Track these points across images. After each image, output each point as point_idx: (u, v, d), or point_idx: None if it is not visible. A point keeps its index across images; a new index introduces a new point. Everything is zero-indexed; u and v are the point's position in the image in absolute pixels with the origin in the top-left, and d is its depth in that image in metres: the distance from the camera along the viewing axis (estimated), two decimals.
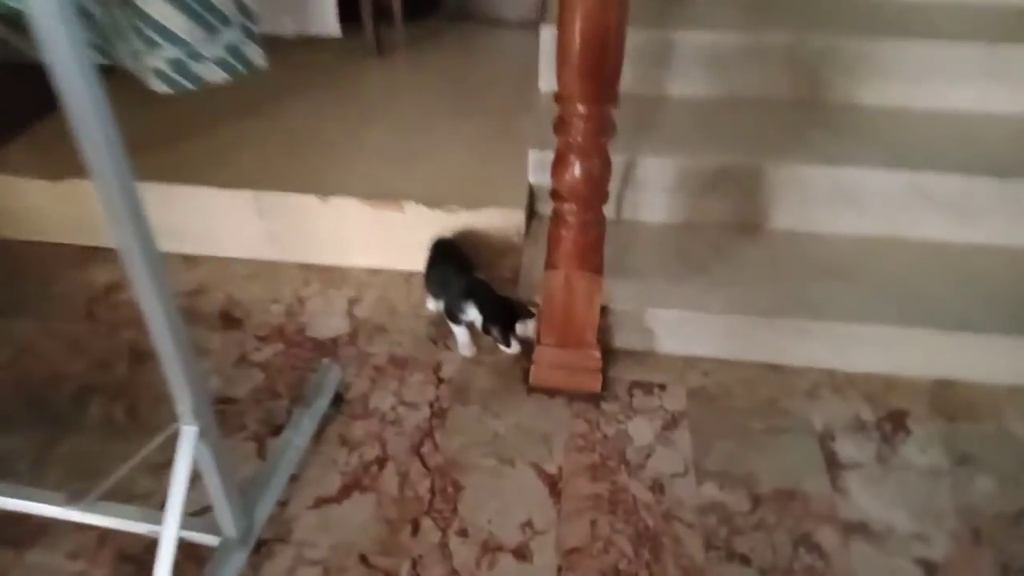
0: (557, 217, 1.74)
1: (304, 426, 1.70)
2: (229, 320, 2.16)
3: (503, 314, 1.93)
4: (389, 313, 2.20)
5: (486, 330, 1.92)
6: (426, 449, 1.81)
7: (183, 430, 1.27)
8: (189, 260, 2.38)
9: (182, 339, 1.17)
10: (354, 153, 2.45)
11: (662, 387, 2.00)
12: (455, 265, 2.06)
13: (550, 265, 1.79)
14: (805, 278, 2.14)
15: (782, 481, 1.76)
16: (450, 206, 2.20)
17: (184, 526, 1.46)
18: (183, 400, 1.24)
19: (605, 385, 1.98)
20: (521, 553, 1.59)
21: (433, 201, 2.21)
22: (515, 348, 1.95)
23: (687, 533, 1.64)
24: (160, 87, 1.35)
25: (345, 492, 1.70)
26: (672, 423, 1.90)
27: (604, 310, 2.02)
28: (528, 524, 1.65)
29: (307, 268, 2.35)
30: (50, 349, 2.05)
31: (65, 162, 2.13)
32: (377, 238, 2.29)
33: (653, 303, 2.04)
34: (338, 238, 2.31)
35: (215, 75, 1.41)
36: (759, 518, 1.67)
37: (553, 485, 1.73)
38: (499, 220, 2.21)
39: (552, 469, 1.77)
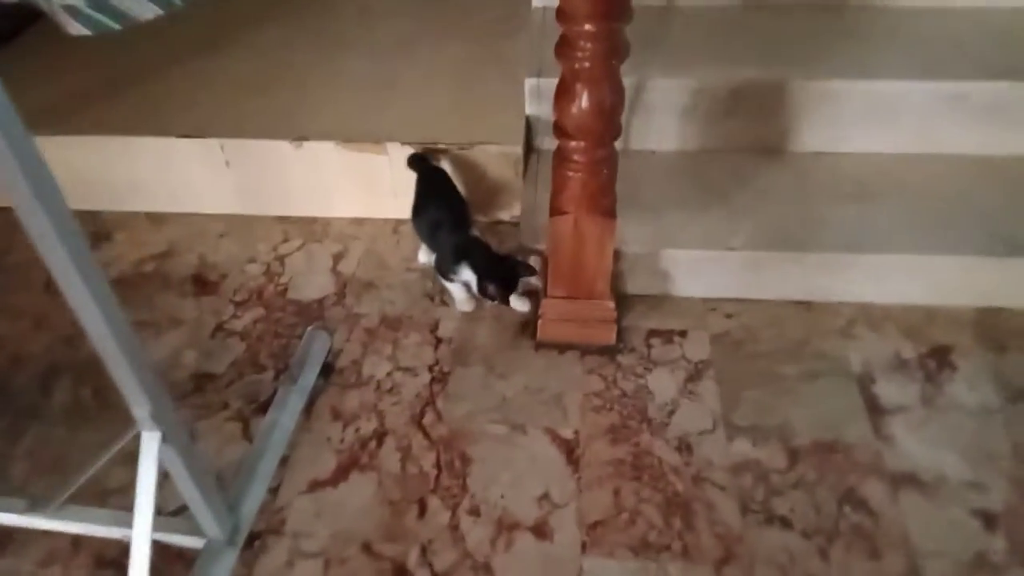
0: (562, 156, 1.52)
1: (291, 403, 1.53)
2: (203, 284, 1.96)
3: (501, 275, 1.72)
4: (378, 268, 2.01)
5: (483, 291, 1.73)
6: (428, 419, 1.64)
7: (144, 436, 1.09)
8: (156, 219, 2.16)
9: (125, 336, 0.98)
10: (327, 89, 2.20)
11: (682, 334, 1.82)
12: (446, 213, 1.83)
13: (556, 210, 1.58)
14: (835, 204, 1.93)
15: (820, 432, 1.60)
16: (438, 145, 1.98)
17: (163, 528, 1.32)
18: (139, 404, 1.05)
19: (620, 336, 1.80)
20: (540, 530, 1.44)
21: (419, 140, 1.98)
22: (521, 306, 1.76)
23: (720, 497, 1.49)
24: (76, 28, 1.10)
25: (341, 473, 1.54)
26: (695, 374, 1.73)
27: (616, 255, 1.82)
28: (545, 497, 1.50)
29: (285, 221, 2.14)
30: (8, 328, 1.86)
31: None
32: (359, 185, 2.07)
33: (669, 242, 1.84)
34: (316, 187, 2.09)
35: (144, 9, 1.16)
36: (798, 475, 1.52)
37: (570, 452, 1.58)
38: (494, 159, 1.99)
39: (568, 433, 1.61)
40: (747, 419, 1.63)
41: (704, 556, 1.40)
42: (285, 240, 2.09)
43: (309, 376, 1.60)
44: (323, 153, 2.01)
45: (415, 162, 1.96)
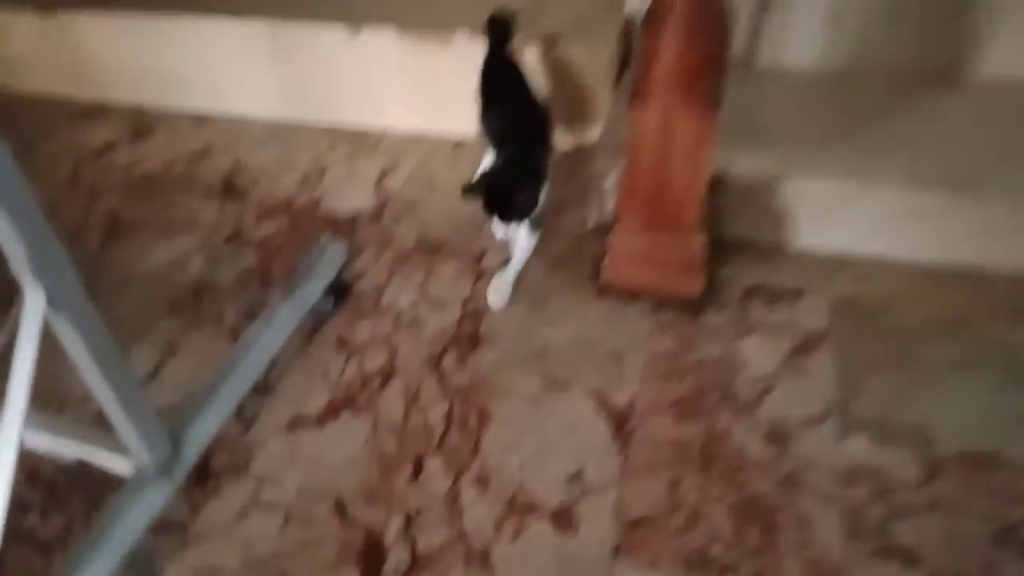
0: (656, 13, 1.13)
1: (280, 318, 1.24)
2: (231, 189, 1.73)
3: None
4: (427, 188, 1.69)
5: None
6: (448, 362, 1.31)
7: (26, 295, 0.83)
8: (199, 120, 1.95)
9: None
10: None
11: (795, 294, 1.39)
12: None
13: (639, 95, 1.19)
14: None
15: (971, 440, 1.13)
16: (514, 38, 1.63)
17: (80, 438, 1.07)
18: (16, 250, 0.79)
19: (708, 288, 1.39)
20: (563, 518, 1.08)
21: None
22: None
23: (820, 509, 1.07)
24: None
25: (331, 412, 1.25)
26: (807, 346, 1.30)
27: (717, 182, 1.41)
28: (577, 476, 1.13)
29: (335, 132, 1.87)
30: None
31: None
32: (418, 88, 1.76)
33: (793, 171, 1.40)
34: (370, 88, 1.80)
35: None
36: (934, 494, 1.08)
37: (620, 423, 1.20)
38: (580, 58, 1.62)
39: (621, 400, 1.23)
40: (871, 411, 1.19)
41: None
42: (331, 150, 1.82)
43: (311, 290, 1.31)
44: (380, 44, 1.71)
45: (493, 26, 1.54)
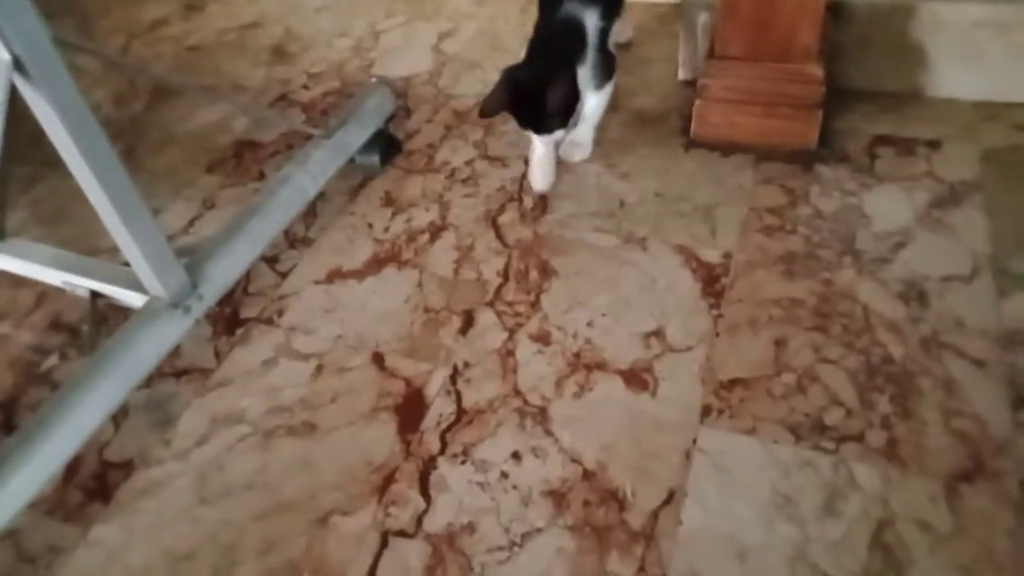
0: None
1: (315, 160, 1.09)
2: (281, 55, 1.59)
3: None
4: (490, 48, 1.50)
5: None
6: (507, 217, 1.13)
7: None
8: None
9: None
10: None
11: (933, 144, 1.13)
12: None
13: None
14: None
15: None
16: None
17: (94, 275, 0.95)
18: None
19: (827, 139, 1.15)
20: (637, 377, 0.89)
21: None
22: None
23: (973, 375, 0.84)
24: None
25: (375, 265, 1.09)
26: (951, 198, 1.05)
27: (836, 11, 1.16)
28: (657, 335, 0.93)
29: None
30: None
31: None
32: None
33: None
34: None
35: None
36: None
37: (711, 279, 0.99)
38: None
39: (713, 256, 1.02)
40: None
41: (927, 462, 0.77)
42: (388, 16, 1.65)
43: (353, 135, 1.15)
44: None
45: None
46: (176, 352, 0.98)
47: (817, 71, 1.08)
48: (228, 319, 1.04)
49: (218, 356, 0.99)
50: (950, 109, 1.19)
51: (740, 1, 1.06)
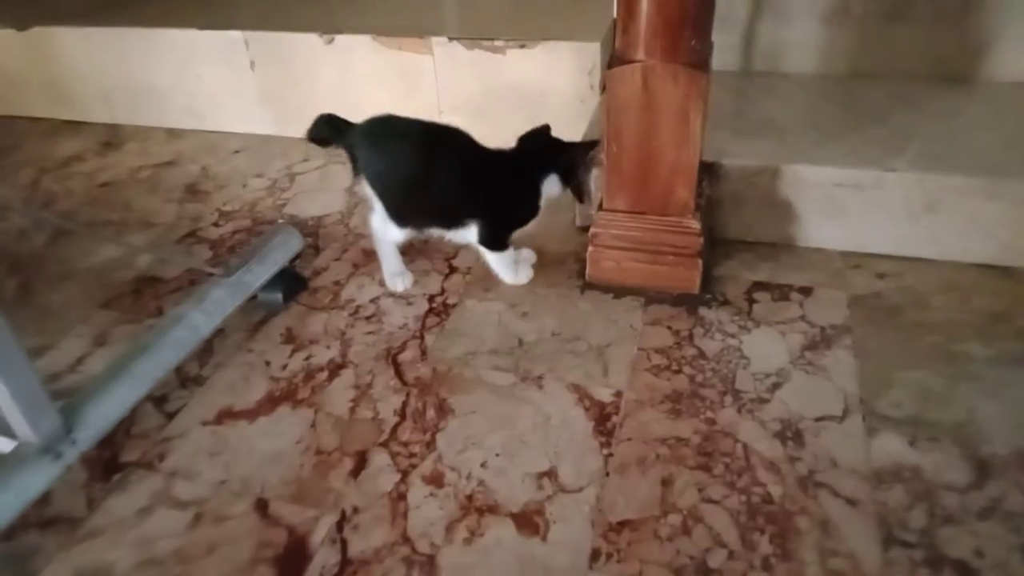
0: None
1: (212, 299, 1.09)
2: (193, 193, 1.61)
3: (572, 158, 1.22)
4: None
5: (576, 186, 1.24)
6: (408, 355, 1.15)
7: None
8: (174, 133, 1.87)
9: None
10: None
11: (805, 291, 1.23)
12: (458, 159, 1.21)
13: (618, 59, 1.09)
14: None
15: None
16: (495, 42, 1.55)
17: None
18: None
19: (709, 284, 1.24)
20: (529, 521, 0.88)
21: (471, 35, 1.57)
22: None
23: (847, 514, 0.87)
24: None
25: (268, 405, 1.07)
26: (822, 341, 1.12)
27: (712, 172, 1.28)
28: (550, 475, 0.94)
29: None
30: None
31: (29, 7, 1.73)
32: (398, 93, 1.68)
33: (796, 159, 1.28)
34: (346, 98, 1.71)
35: None
36: (990, 499, 0.87)
37: (603, 417, 1.02)
38: (565, 61, 1.53)
39: (605, 395, 1.05)
40: (903, 408, 1.00)
41: None
42: (304, 160, 1.72)
43: (255, 273, 1.16)
44: (357, 51, 1.64)
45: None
46: (45, 499, 0.92)
47: (694, 224, 1.18)
48: (106, 463, 0.99)
49: (91, 504, 0.93)
50: (820, 258, 1.30)
51: (623, 161, 1.16)
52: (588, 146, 1.23)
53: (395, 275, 1.28)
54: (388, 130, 1.18)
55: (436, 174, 1.17)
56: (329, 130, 1.20)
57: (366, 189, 1.19)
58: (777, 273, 1.27)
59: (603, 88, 1.24)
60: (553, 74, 1.54)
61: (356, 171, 1.19)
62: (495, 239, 1.21)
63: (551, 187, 1.21)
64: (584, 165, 1.24)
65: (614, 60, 1.09)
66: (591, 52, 1.51)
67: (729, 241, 1.34)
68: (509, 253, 1.24)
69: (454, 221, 1.20)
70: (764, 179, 1.28)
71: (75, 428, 0.89)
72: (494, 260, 1.24)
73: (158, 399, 1.07)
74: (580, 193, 1.25)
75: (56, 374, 1.14)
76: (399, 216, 1.20)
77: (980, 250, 1.24)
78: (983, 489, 0.89)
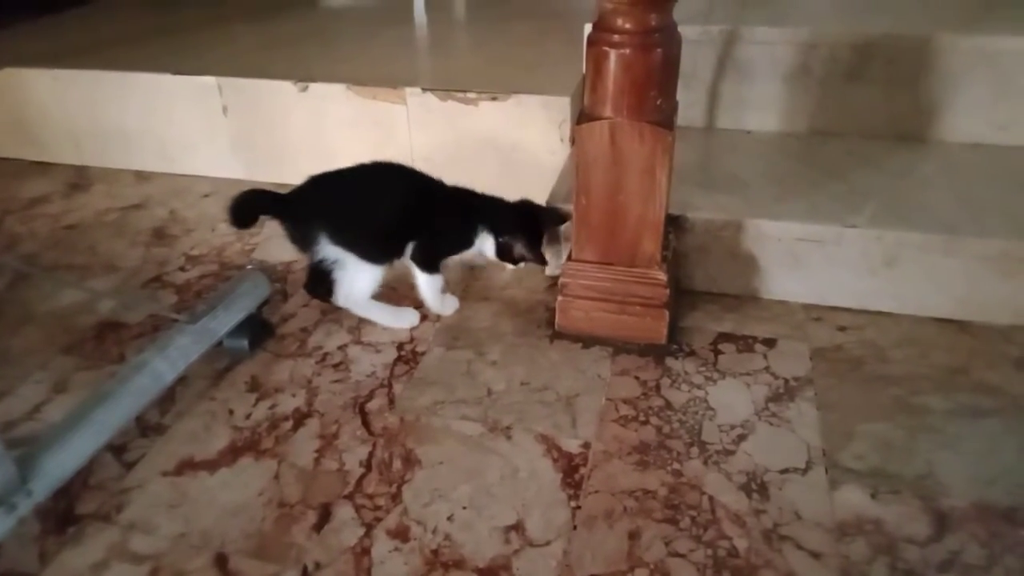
0: (598, 28, 1.07)
1: (176, 346, 1.07)
2: (160, 237, 1.60)
3: (524, 225, 1.27)
4: None
5: (505, 253, 1.28)
6: (375, 404, 1.14)
7: None
8: (143, 176, 1.86)
9: None
10: (345, 38, 1.92)
11: (769, 343, 1.25)
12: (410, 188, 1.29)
13: (586, 116, 1.12)
14: (1005, 192, 1.36)
15: (986, 492, 0.96)
16: (468, 94, 1.58)
17: None
18: None
19: (675, 335, 1.26)
20: (495, 575, 0.87)
21: (444, 87, 1.60)
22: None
23: (811, 568, 0.87)
24: None
25: (230, 456, 1.05)
26: (785, 393, 1.14)
27: (677, 226, 1.31)
28: (517, 528, 0.93)
29: (282, 188, 1.77)
30: None
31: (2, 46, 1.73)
32: (368, 143, 1.69)
33: (760, 213, 1.31)
34: (319, 145, 1.73)
35: None
36: (949, 551, 0.89)
37: (571, 469, 1.02)
38: (536, 114, 1.57)
39: (573, 446, 1.05)
40: (864, 461, 1.02)
41: None
42: None
43: (220, 320, 1.15)
44: (331, 99, 1.66)
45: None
46: None
47: (660, 275, 1.20)
48: (61, 515, 0.95)
49: (43, 558, 0.90)
50: (783, 310, 1.33)
51: (590, 213, 1.18)
52: (528, 219, 1.29)
53: (396, 315, 1.30)
54: (327, 181, 1.23)
55: (386, 197, 1.24)
56: (259, 207, 1.23)
57: (327, 252, 1.21)
58: (742, 325, 1.29)
59: (572, 141, 1.28)
60: (524, 126, 1.58)
61: (305, 240, 1.22)
62: (427, 260, 1.27)
63: (485, 243, 1.27)
64: (550, 234, 1.30)
65: (583, 116, 1.12)
66: (561, 105, 1.54)
67: (695, 292, 1.37)
68: (438, 279, 1.28)
69: (401, 242, 1.25)
70: (728, 232, 1.31)
71: (31, 479, 0.87)
72: (424, 282, 1.28)
73: (117, 448, 1.05)
74: (512, 259, 1.29)
75: (13, 421, 1.11)
76: (370, 253, 1.22)
77: (937, 305, 1.28)
78: (942, 542, 0.90)
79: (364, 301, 1.27)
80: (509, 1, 2.33)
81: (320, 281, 1.27)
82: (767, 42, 1.55)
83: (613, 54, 1.05)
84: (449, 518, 0.95)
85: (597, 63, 1.07)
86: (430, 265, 1.27)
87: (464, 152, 1.63)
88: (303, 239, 1.23)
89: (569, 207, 1.23)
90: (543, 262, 1.32)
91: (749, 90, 1.60)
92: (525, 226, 1.28)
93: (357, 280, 1.24)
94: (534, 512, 0.95)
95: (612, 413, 1.11)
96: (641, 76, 1.06)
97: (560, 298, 1.25)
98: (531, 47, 1.87)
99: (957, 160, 1.49)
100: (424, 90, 1.60)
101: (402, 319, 1.30)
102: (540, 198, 1.39)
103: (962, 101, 1.52)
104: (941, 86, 1.51)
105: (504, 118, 1.58)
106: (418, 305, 1.33)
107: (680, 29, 1.09)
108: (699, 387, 1.16)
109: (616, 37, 1.04)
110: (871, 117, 1.57)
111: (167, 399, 1.13)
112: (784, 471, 1.01)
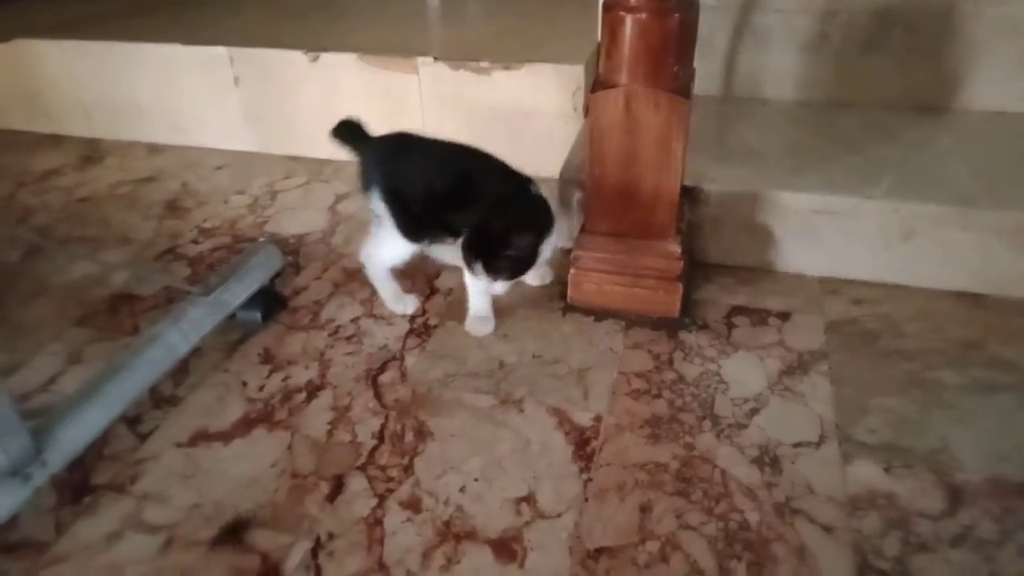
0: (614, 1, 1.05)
1: (189, 318, 1.08)
2: (173, 209, 1.60)
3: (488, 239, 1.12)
4: None
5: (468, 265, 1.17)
6: (388, 376, 1.14)
7: None
8: (154, 148, 1.86)
9: None
10: (356, 8, 1.89)
11: (783, 316, 1.24)
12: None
13: (602, 83, 1.10)
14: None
15: (1000, 466, 0.95)
16: (480, 63, 1.56)
17: None
18: None
19: (688, 308, 1.25)
20: (506, 547, 0.88)
21: (458, 57, 1.58)
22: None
23: (823, 541, 0.87)
24: None
25: (243, 427, 1.06)
26: (799, 366, 1.13)
27: (692, 197, 1.29)
28: (528, 500, 0.94)
29: (293, 160, 1.77)
30: None
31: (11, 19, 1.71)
32: (380, 114, 1.67)
33: (777, 184, 1.29)
34: (330, 116, 1.70)
35: None
36: (962, 525, 0.88)
37: (583, 442, 1.02)
38: (549, 83, 1.54)
39: (585, 419, 1.05)
40: (878, 435, 1.01)
41: None
42: (288, 177, 1.71)
43: (234, 292, 1.15)
44: (342, 70, 1.64)
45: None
46: (12, 523, 0.90)
47: (675, 247, 1.18)
48: (76, 486, 0.97)
49: (58, 528, 0.91)
50: (798, 283, 1.32)
51: (604, 185, 1.17)
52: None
53: (398, 298, 1.27)
54: (406, 142, 1.20)
55: (440, 179, 1.14)
56: (349, 136, 1.23)
57: (375, 205, 1.18)
58: (756, 298, 1.28)
59: (586, 111, 1.26)
60: (537, 96, 1.56)
61: (364, 184, 1.19)
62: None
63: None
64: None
65: (597, 84, 1.10)
66: (575, 74, 1.52)
67: (709, 265, 1.35)
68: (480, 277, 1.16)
69: (436, 229, 1.17)
70: (743, 204, 1.29)
71: (45, 450, 0.88)
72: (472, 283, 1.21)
73: (131, 420, 1.06)
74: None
75: (27, 393, 1.12)
76: (409, 230, 1.18)
77: (953, 278, 1.26)
78: (956, 516, 0.90)
79: (381, 270, 1.26)
80: None
81: None
82: (785, 9, 1.51)
83: (629, 19, 1.03)
84: (461, 490, 0.95)
85: (612, 29, 1.05)
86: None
87: (476, 122, 1.61)
88: (363, 182, 1.19)
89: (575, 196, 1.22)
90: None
91: (766, 59, 1.57)
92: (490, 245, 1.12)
93: (385, 245, 1.21)
94: (545, 484, 0.96)
95: (624, 386, 1.11)
96: (657, 42, 1.04)
97: (572, 271, 1.25)
98: (544, 17, 1.84)
99: (977, 130, 1.46)
100: (436, 60, 1.58)
101: (399, 304, 1.27)
102: (553, 168, 1.38)
103: (985, 69, 1.48)
104: (963, 54, 1.48)
105: (517, 87, 1.56)
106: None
107: None
108: (712, 360, 1.15)
109: (633, 1, 1.02)
110: (890, 87, 1.54)
111: (181, 371, 1.14)
112: (797, 445, 1.00)
